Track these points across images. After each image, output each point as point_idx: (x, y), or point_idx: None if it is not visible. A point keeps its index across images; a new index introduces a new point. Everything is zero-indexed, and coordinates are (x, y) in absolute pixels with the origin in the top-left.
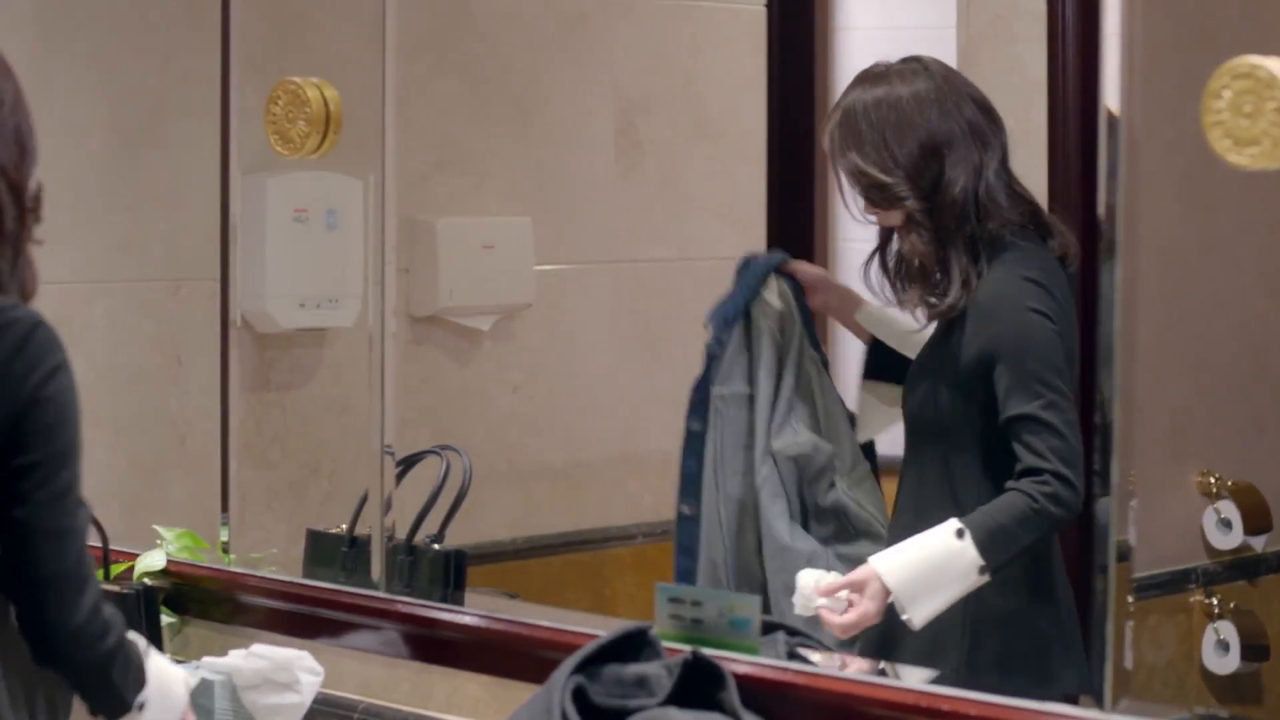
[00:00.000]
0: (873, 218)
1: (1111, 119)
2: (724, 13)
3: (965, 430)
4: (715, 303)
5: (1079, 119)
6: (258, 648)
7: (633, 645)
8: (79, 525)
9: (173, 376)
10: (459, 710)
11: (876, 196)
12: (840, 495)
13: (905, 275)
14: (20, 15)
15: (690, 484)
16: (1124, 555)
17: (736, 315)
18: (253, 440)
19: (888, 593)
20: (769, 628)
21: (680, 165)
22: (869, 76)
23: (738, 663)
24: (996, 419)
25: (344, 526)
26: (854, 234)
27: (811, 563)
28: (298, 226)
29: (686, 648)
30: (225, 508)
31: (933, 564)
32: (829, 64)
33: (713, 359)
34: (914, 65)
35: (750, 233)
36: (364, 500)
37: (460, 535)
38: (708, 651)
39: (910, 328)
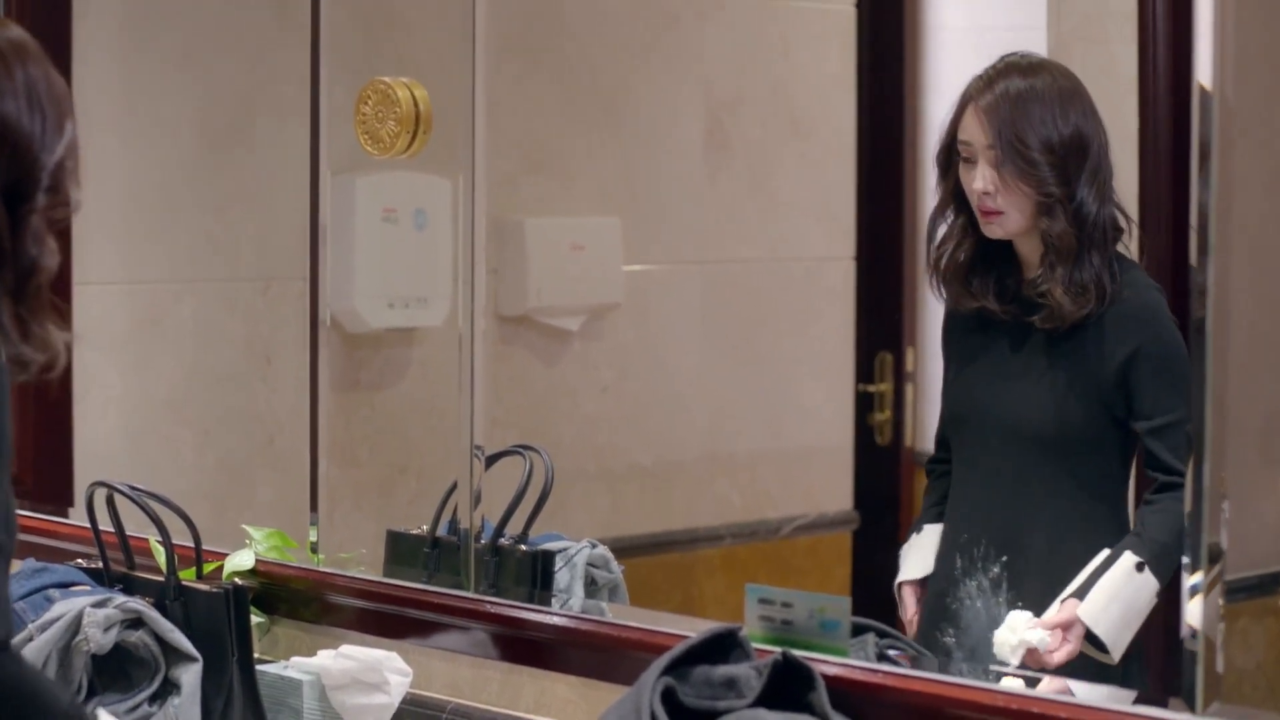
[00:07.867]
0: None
1: (1204, 117)
2: (814, 12)
3: (1096, 439)
4: None
5: (1171, 119)
6: (346, 648)
7: (722, 646)
8: None
9: (261, 376)
10: (547, 711)
11: (1041, 173)
12: None
13: (1054, 259)
14: (110, 15)
15: None
16: (1215, 558)
17: None
18: (341, 440)
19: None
20: (859, 629)
21: (770, 165)
22: (1021, 68)
23: (827, 664)
24: (1126, 427)
25: (424, 527)
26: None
27: None
28: (387, 226)
29: (776, 649)
30: (314, 507)
31: (1130, 606)
32: (918, 63)
33: None
34: (1064, 69)
35: (840, 232)
36: (445, 500)
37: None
38: (797, 653)
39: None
